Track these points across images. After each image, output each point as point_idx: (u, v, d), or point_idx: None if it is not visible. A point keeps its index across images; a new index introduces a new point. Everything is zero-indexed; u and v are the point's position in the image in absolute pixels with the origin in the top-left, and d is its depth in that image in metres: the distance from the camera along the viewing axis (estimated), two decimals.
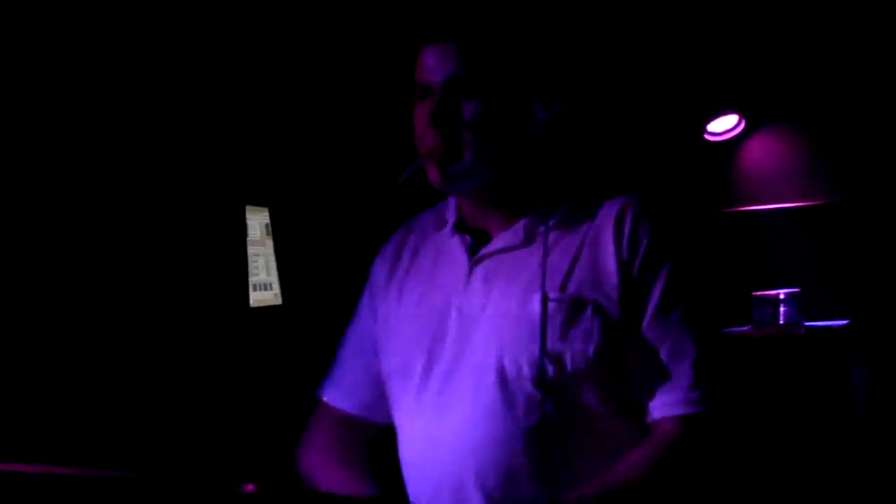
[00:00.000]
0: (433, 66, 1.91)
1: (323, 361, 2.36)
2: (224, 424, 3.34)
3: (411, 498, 1.95)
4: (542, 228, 1.93)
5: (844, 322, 4.57)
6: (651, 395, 1.86)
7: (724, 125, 5.05)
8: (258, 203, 3.84)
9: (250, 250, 3.72)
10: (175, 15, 3.37)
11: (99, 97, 3.09)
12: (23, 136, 2.90)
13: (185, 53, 3.38)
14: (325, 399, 2.15)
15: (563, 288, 1.87)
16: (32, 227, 2.89)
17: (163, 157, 3.30)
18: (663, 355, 1.86)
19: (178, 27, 3.37)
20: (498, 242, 1.95)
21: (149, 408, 3.07)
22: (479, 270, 1.95)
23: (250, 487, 1.28)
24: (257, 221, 3.87)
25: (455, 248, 1.99)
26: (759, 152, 5.10)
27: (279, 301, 3.84)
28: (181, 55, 3.35)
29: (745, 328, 4.63)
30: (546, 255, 1.90)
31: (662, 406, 1.85)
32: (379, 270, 2.13)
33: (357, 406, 2.11)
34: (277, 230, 3.85)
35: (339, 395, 2.13)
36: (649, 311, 1.87)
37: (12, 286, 2.80)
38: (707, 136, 5.06)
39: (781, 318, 4.64)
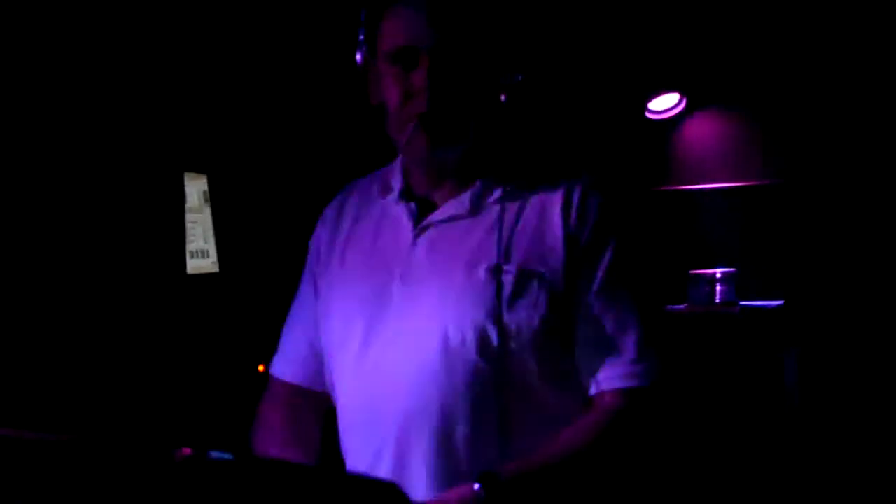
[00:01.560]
0: (420, 31, 1.88)
1: (259, 329, 2.35)
2: (160, 390, 3.32)
3: (349, 466, 1.94)
4: (489, 199, 1.92)
5: (779, 302, 4.61)
6: (594, 368, 1.86)
7: (664, 104, 5.06)
8: (196, 170, 3.80)
9: (188, 217, 3.69)
10: None
11: (35, 65, 3.05)
12: None
13: (123, 21, 3.33)
14: (272, 372, 2.14)
15: (509, 259, 1.86)
16: None
17: (101, 122, 3.26)
18: (608, 329, 1.85)
19: None
20: (444, 211, 1.93)
21: (86, 373, 3.05)
22: (424, 239, 1.93)
23: (186, 451, 1.24)
24: (195, 188, 3.85)
25: (400, 215, 1.97)
26: (699, 132, 5.13)
27: (216, 269, 3.82)
28: (119, 23, 3.31)
29: (681, 306, 4.66)
30: (493, 225, 1.89)
31: (605, 379, 1.84)
32: (320, 238, 2.11)
33: (302, 377, 2.09)
34: (216, 197, 3.82)
35: (285, 367, 2.11)
36: (595, 285, 1.86)
37: None
38: (648, 115, 5.07)
39: (717, 296, 4.69)
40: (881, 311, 4.59)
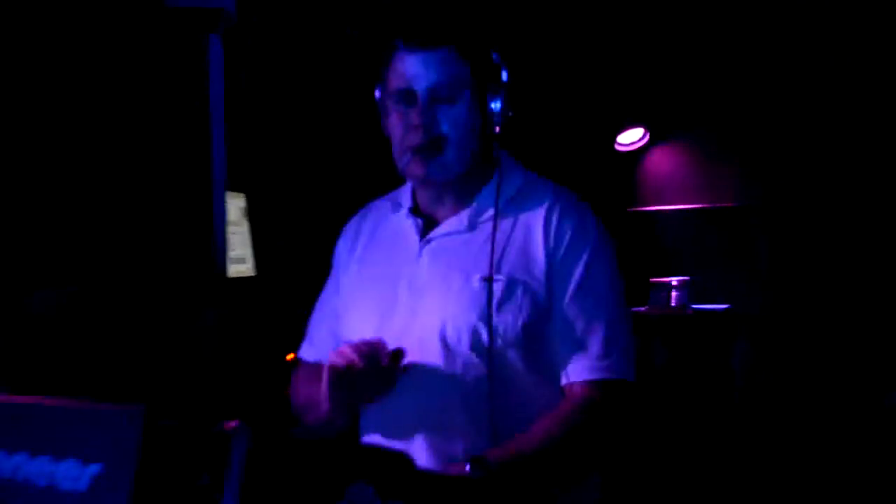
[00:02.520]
0: (417, 72, 1.88)
1: (289, 323, 2.35)
2: (205, 373, 3.32)
3: (365, 440, 1.96)
4: (483, 217, 1.93)
5: (725, 306, 4.64)
6: (566, 363, 1.86)
7: (630, 137, 5.10)
8: (237, 190, 3.82)
9: (230, 230, 3.70)
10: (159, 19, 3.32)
11: (104, 103, 3.06)
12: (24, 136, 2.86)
13: (183, 78, 3.33)
14: (300, 356, 2.16)
15: (499, 270, 1.87)
16: (51, 205, 2.86)
17: (161, 152, 3.28)
18: (578, 329, 1.84)
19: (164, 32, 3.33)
20: (445, 227, 1.94)
21: (146, 358, 3.06)
22: (428, 250, 1.94)
23: (234, 423, 1.20)
24: (235, 205, 3.85)
25: (408, 229, 1.98)
26: (659, 162, 5.17)
27: (253, 272, 3.83)
28: (178, 77, 3.31)
29: (643, 308, 4.69)
30: (486, 240, 1.91)
31: (575, 372, 1.84)
32: (341, 249, 2.13)
33: (323, 360, 2.12)
34: (253, 213, 3.84)
35: (310, 352, 2.14)
36: (569, 291, 1.85)
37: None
38: (617, 147, 5.11)
39: (673, 301, 4.71)
40: (813, 311, 4.63)
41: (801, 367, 4.55)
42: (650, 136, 5.12)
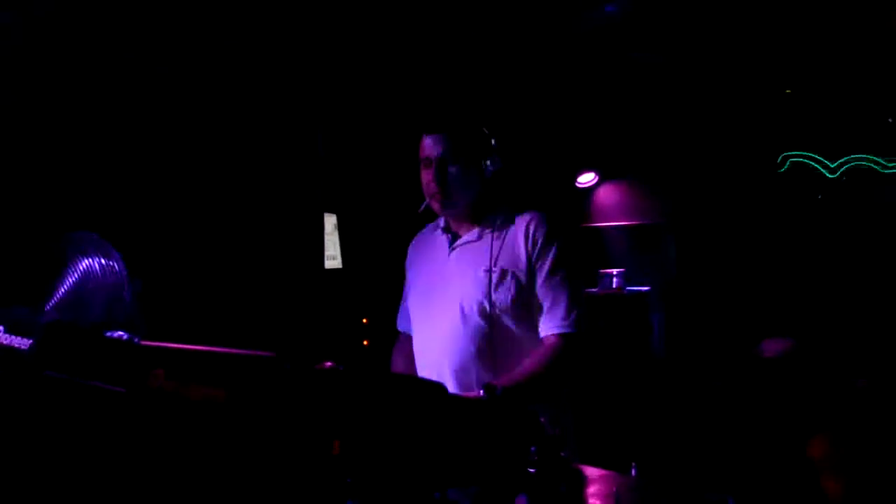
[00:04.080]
0: (431, 147, 1.95)
1: (363, 298, 2.32)
2: (306, 340, 3.32)
3: (418, 376, 1.99)
4: (487, 231, 1.97)
5: (647, 288, 4.63)
6: (542, 322, 1.89)
7: (586, 178, 5.10)
8: (330, 210, 3.84)
9: (326, 237, 3.73)
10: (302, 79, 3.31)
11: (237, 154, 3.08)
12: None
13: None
14: (398, 326, 2.19)
15: (496, 264, 1.90)
16: (188, 211, 2.92)
17: (290, 194, 3.29)
18: (549, 301, 1.89)
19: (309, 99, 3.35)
20: (464, 239, 2.00)
21: (264, 328, 3.05)
22: (454, 254, 2.01)
23: (329, 364, 1.15)
24: (329, 221, 3.89)
25: (443, 241, 2.05)
26: (605, 194, 5.17)
27: (341, 266, 3.85)
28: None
29: (594, 290, 4.70)
30: (488, 245, 1.94)
31: (547, 328, 1.89)
32: (410, 253, 2.17)
33: (408, 328, 2.14)
34: (341, 226, 3.86)
35: (402, 323, 2.17)
36: (542, 275, 1.90)
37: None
38: (577, 185, 5.12)
39: (613, 284, 4.71)
40: (703, 291, 4.61)
41: (695, 328, 4.54)
42: (599, 177, 5.13)
